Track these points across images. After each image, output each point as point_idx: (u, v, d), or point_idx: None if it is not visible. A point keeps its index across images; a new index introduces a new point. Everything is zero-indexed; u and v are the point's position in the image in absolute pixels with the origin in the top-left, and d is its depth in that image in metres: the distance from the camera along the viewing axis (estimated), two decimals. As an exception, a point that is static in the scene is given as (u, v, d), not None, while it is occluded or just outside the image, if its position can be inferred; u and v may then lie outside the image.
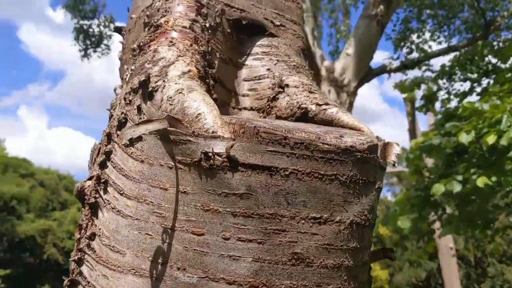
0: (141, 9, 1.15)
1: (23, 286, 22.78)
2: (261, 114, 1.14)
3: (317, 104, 1.05)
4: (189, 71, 0.89)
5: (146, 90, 0.85)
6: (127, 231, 0.78)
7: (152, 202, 0.77)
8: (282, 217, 0.71)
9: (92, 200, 0.84)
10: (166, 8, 1.08)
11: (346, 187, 0.75)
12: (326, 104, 1.05)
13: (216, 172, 0.71)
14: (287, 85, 1.12)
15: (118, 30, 1.32)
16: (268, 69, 1.16)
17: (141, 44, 1.03)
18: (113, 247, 0.79)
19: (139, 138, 0.75)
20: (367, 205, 0.79)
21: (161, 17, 1.07)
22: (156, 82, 0.87)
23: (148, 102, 0.84)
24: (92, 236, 0.82)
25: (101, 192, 0.84)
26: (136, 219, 0.78)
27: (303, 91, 1.10)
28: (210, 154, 0.71)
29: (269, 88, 1.14)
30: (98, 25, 11.19)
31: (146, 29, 1.07)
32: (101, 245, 0.81)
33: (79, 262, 0.83)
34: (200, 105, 0.76)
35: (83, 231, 0.84)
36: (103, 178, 0.84)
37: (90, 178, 0.87)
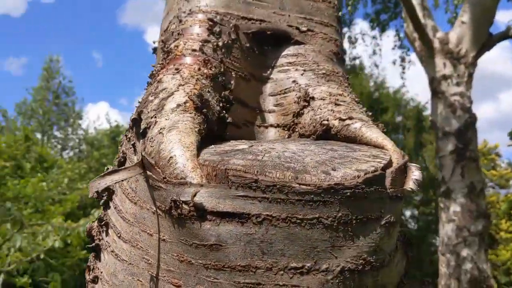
0: (160, 33, 1.14)
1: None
2: (286, 132, 1.07)
3: (340, 119, 0.95)
4: (186, 102, 0.85)
5: (138, 129, 0.83)
6: (122, 275, 0.78)
7: (141, 248, 0.75)
8: (257, 269, 0.65)
9: (97, 241, 0.85)
10: (179, 31, 1.05)
11: (333, 230, 0.66)
12: (350, 118, 0.94)
13: (185, 221, 0.67)
14: (312, 98, 1.03)
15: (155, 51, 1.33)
16: (294, 81, 1.08)
17: (153, 72, 1.02)
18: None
19: (107, 189, 0.73)
20: (367, 246, 0.69)
21: (174, 41, 1.04)
22: (151, 118, 0.84)
23: (141, 140, 0.82)
24: (95, 279, 0.83)
25: (103, 234, 0.84)
26: (130, 263, 0.77)
27: (329, 103, 1.00)
28: (178, 203, 0.67)
29: (294, 102, 1.05)
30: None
31: (161, 55, 1.06)
32: (101, 291, 0.82)
33: (86, 306, 0.85)
34: (173, 147, 0.72)
35: (90, 272, 0.86)
36: (105, 220, 0.84)
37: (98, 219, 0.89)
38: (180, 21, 1.06)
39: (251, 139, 1.05)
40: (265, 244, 0.64)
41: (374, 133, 0.89)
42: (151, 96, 0.91)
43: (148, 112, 0.86)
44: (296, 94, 1.05)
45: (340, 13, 1.19)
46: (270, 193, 0.64)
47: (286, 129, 1.05)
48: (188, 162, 0.70)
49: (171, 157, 0.71)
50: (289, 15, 1.11)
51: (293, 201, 0.64)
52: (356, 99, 1.07)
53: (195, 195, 0.65)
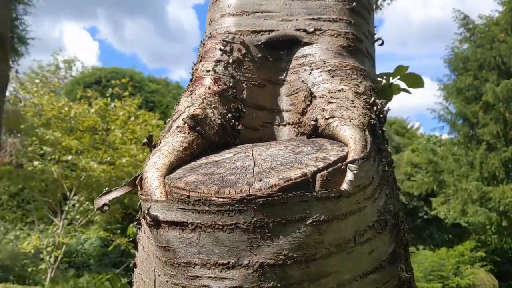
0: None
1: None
2: (296, 129, 1.17)
3: (325, 118, 1.03)
4: (184, 123, 1.05)
5: (151, 149, 1.06)
6: (146, 263, 1.03)
7: (147, 245, 0.99)
8: (195, 265, 0.82)
9: (136, 236, 1.12)
10: (202, 54, 1.24)
11: (250, 232, 0.79)
12: (332, 117, 1.02)
13: (150, 228, 0.88)
14: (314, 96, 1.12)
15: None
16: (303, 81, 1.17)
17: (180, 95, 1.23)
18: (141, 279, 1.05)
19: (107, 205, 0.97)
20: (289, 244, 0.80)
21: (196, 63, 1.23)
22: (160, 138, 1.07)
23: (149, 159, 1.05)
24: (135, 265, 1.10)
25: (139, 231, 1.10)
26: (148, 254, 1.02)
27: (324, 102, 1.08)
28: (145, 214, 0.88)
29: (302, 101, 1.15)
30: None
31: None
32: (137, 273, 1.08)
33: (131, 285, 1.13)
34: (149, 169, 0.93)
35: (134, 260, 1.13)
36: (139, 219, 1.10)
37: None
38: (203, 44, 1.24)
39: (270, 137, 1.19)
40: (200, 245, 0.82)
41: (345, 131, 0.96)
42: (171, 118, 1.13)
43: (163, 132, 1.09)
44: (303, 93, 1.15)
45: (354, 4, 1.22)
46: (197, 206, 0.81)
47: (296, 126, 1.16)
48: (154, 181, 0.90)
49: (145, 177, 0.92)
50: (296, 19, 1.20)
51: (214, 211, 0.80)
52: (360, 90, 1.11)
53: (149, 208, 0.86)
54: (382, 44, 1.36)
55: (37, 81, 16.63)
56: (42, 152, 11.99)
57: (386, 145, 1.12)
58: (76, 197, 12.01)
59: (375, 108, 1.11)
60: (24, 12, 15.24)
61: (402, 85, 1.46)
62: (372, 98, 1.12)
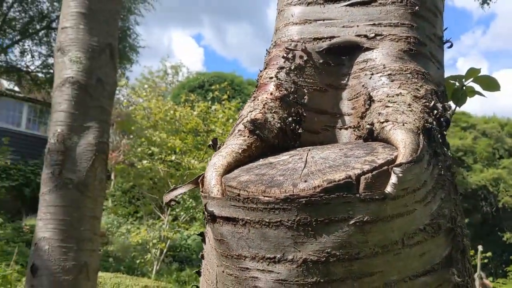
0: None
1: (483, 234, 23.51)
2: (356, 133, 1.20)
3: (380, 122, 1.06)
4: (244, 127, 1.13)
5: (215, 151, 1.16)
6: (211, 255, 1.13)
7: (212, 238, 1.09)
8: (246, 258, 0.90)
9: (205, 230, 1.22)
10: (267, 62, 1.31)
11: (294, 230, 0.85)
12: (387, 121, 1.04)
13: (208, 223, 0.97)
14: (373, 101, 1.14)
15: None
16: (363, 85, 1.20)
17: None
18: (207, 269, 1.15)
19: (175, 200, 1.08)
20: (332, 242, 0.84)
21: (262, 71, 1.31)
22: (225, 140, 1.16)
23: (216, 158, 1.14)
24: (202, 256, 1.20)
25: (207, 225, 1.20)
26: (212, 248, 1.11)
27: (381, 106, 1.10)
28: (204, 210, 0.97)
29: (362, 105, 1.18)
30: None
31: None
32: (204, 264, 1.18)
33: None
34: (209, 169, 1.02)
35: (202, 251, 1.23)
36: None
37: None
38: (269, 53, 1.32)
39: (331, 141, 1.24)
40: (249, 240, 0.89)
41: (397, 135, 0.98)
42: (236, 122, 1.22)
43: (228, 135, 1.18)
44: (363, 98, 1.18)
45: (417, 8, 1.21)
46: (246, 203, 0.88)
47: (356, 130, 1.19)
48: (212, 180, 0.99)
49: (206, 176, 1.02)
50: (357, 26, 1.22)
51: (261, 208, 0.87)
52: (419, 94, 1.12)
53: (206, 205, 0.95)
54: (451, 46, 1.34)
55: (146, 86, 17.87)
56: (150, 152, 12.86)
57: (446, 150, 1.11)
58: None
59: (435, 112, 1.11)
60: (135, 23, 16.46)
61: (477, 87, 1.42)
62: (433, 102, 1.11)
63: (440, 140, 1.08)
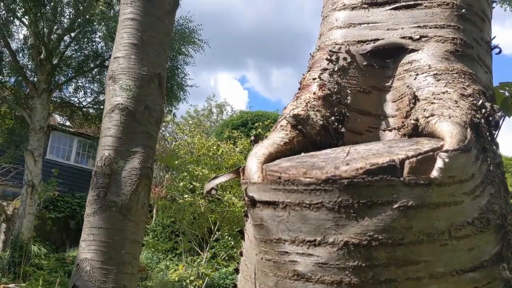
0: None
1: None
2: (400, 132, 1.18)
3: (425, 117, 1.04)
4: (287, 123, 1.14)
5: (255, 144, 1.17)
6: (249, 251, 1.12)
7: (251, 233, 1.08)
8: (285, 241, 0.88)
9: (244, 227, 1.21)
10: (310, 65, 1.33)
11: (336, 212, 0.83)
12: (432, 115, 1.03)
13: (248, 208, 0.97)
14: (418, 99, 1.13)
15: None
16: (408, 86, 1.19)
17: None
18: (245, 265, 1.14)
19: (215, 189, 1.08)
20: (374, 225, 0.82)
21: (305, 74, 1.32)
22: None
23: (257, 152, 1.15)
24: (241, 253, 1.19)
25: (246, 221, 1.20)
26: (251, 242, 1.10)
27: (426, 103, 1.09)
28: (244, 195, 0.97)
29: (407, 105, 1.17)
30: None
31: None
32: (242, 261, 1.16)
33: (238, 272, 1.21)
34: (250, 158, 1.02)
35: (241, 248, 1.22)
36: (246, 211, 1.20)
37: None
38: (312, 57, 1.33)
39: (375, 141, 1.22)
40: (289, 223, 0.88)
41: (443, 126, 0.96)
42: (278, 120, 1.23)
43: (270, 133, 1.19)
44: (408, 98, 1.17)
45: (463, 11, 1.21)
46: (287, 186, 0.88)
47: (400, 130, 1.18)
48: (254, 167, 0.99)
49: (246, 165, 1.02)
50: (402, 28, 1.23)
51: (301, 190, 0.86)
52: (466, 93, 1.09)
53: (246, 189, 0.95)
54: (499, 52, 1.31)
55: (190, 122, 18.28)
56: (191, 186, 12.99)
57: (496, 148, 1.07)
58: (219, 232, 12.71)
59: (483, 110, 1.08)
60: (184, 62, 17.04)
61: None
62: (480, 101, 1.09)
63: (489, 138, 1.05)
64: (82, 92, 17.18)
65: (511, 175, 25.01)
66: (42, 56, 14.78)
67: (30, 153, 14.18)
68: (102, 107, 15.62)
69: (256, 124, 15.80)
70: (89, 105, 17.47)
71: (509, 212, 1.00)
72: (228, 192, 12.69)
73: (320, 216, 0.85)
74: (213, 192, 1.08)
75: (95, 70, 16.68)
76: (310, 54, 1.36)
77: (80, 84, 17.03)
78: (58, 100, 17.03)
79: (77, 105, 17.34)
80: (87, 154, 21.98)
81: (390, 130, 1.22)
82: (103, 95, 16.15)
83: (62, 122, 21.24)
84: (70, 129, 21.12)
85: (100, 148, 4.16)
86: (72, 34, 15.60)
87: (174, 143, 16.37)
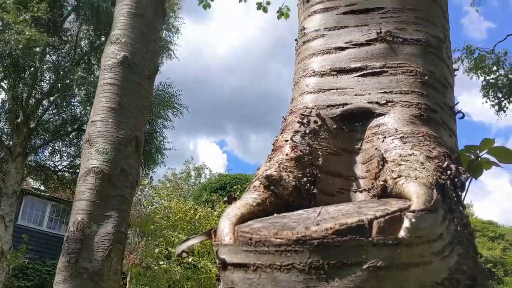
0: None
1: None
2: (370, 194, 1.20)
3: (393, 178, 1.07)
4: (259, 184, 1.15)
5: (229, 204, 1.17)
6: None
7: None
8: (257, 305, 0.87)
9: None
10: (283, 128, 1.36)
11: (306, 273, 0.83)
12: (399, 176, 1.05)
13: (219, 271, 0.95)
14: (386, 161, 1.16)
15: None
16: (376, 148, 1.22)
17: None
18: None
19: (186, 252, 1.07)
20: (345, 287, 0.82)
21: (278, 136, 1.35)
22: (238, 195, 1.17)
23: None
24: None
25: (218, 286, 1.18)
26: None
27: (394, 165, 1.12)
28: (216, 257, 0.96)
29: (376, 166, 1.20)
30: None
31: (273, 149, 1.38)
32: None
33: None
34: (222, 219, 1.03)
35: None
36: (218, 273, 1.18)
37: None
38: (284, 119, 1.37)
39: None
40: (260, 286, 0.87)
41: (410, 187, 0.99)
42: (251, 182, 1.24)
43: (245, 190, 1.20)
44: (376, 159, 1.20)
45: (426, 78, 1.28)
46: (258, 247, 0.88)
47: (370, 191, 1.20)
48: (225, 228, 0.99)
49: (219, 225, 1.02)
50: (369, 94, 1.28)
51: (272, 251, 0.86)
52: (432, 155, 1.13)
53: (217, 251, 0.94)
54: (462, 117, 1.37)
55: (168, 185, 18.12)
56: (167, 253, 12.67)
57: (462, 209, 1.10)
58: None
59: (448, 172, 1.12)
60: (163, 126, 17.14)
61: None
62: (446, 163, 1.13)
63: (455, 199, 1.08)
64: (58, 156, 17.00)
65: (488, 239, 25.13)
66: (19, 120, 14.72)
67: (1, 218, 13.75)
68: (78, 171, 15.43)
69: (234, 187, 15.75)
70: (64, 169, 17.24)
71: (479, 273, 1.01)
72: (204, 258, 12.40)
73: (291, 278, 0.84)
74: (184, 255, 1.07)
75: (73, 133, 16.63)
76: (283, 117, 1.40)
77: (56, 147, 16.89)
78: (33, 164, 16.77)
79: (52, 169, 17.09)
80: (60, 220, 21.38)
81: (361, 192, 1.24)
82: (79, 158, 16.01)
83: (36, 186, 20.80)
84: (44, 194, 20.67)
85: (73, 212, 4.08)
86: (51, 98, 15.66)
87: (150, 207, 16.12)
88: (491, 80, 11.05)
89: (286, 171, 1.19)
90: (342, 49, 1.40)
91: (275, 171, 1.18)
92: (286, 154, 1.24)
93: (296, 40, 1.61)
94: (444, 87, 1.35)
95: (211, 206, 13.79)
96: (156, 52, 4.95)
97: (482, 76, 11.07)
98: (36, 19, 13.16)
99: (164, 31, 16.24)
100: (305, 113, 1.31)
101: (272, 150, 1.32)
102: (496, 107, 11.16)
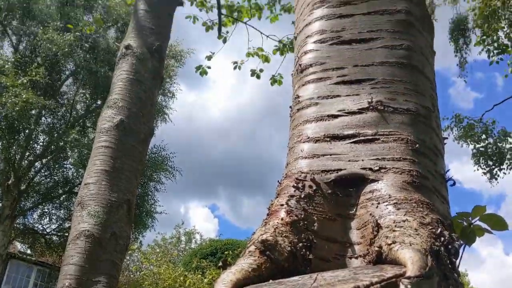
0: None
1: None
2: (366, 260, 1.21)
3: (387, 244, 1.08)
4: (255, 249, 1.15)
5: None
6: None
7: None
8: None
9: None
10: (278, 192, 1.38)
11: None
12: (394, 242, 1.06)
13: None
14: (381, 227, 1.18)
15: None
16: (370, 214, 1.24)
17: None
18: None
19: None
20: None
21: (273, 200, 1.37)
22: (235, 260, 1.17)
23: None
24: None
25: None
26: None
27: (389, 231, 1.13)
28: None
29: (371, 232, 1.21)
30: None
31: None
32: None
33: None
34: (217, 285, 1.02)
35: None
36: None
37: None
38: (280, 184, 1.40)
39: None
40: None
41: (405, 253, 1.00)
42: (246, 247, 1.24)
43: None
44: (371, 225, 1.21)
45: (417, 145, 1.32)
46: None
47: (366, 257, 1.20)
48: None
49: (214, 289, 1.01)
50: (362, 160, 1.32)
51: None
52: (425, 221, 1.15)
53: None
54: (453, 184, 1.41)
55: (157, 250, 17.73)
56: (155, 322, 12.18)
57: (457, 275, 1.10)
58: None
59: (442, 238, 1.13)
60: (155, 189, 17.03)
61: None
62: (439, 229, 1.14)
63: (450, 266, 1.09)
64: (47, 219, 16.72)
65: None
66: (10, 182, 14.61)
67: (-17, 283, 13.26)
68: (66, 234, 15.14)
69: (226, 253, 15.42)
70: (53, 232, 16.90)
71: None
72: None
73: None
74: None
75: (63, 196, 16.45)
76: (278, 181, 1.42)
77: (46, 210, 16.64)
78: (21, 227, 16.45)
79: (40, 232, 16.75)
80: (46, 285, 20.68)
81: (356, 258, 1.24)
82: (69, 222, 15.76)
83: (22, 250, 20.28)
84: (30, 258, 20.11)
85: (61, 277, 3.97)
86: (44, 160, 15.64)
87: (138, 273, 15.68)
88: (481, 148, 11.24)
89: (281, 236, 1.20)
90: (335, 116, 1.45)
91: (271, 236, 1.19)
92: (282, 219, 1.25)
93: (290, 107, 1.67)
94: (434, 155, 1.39)
95: (201, 273, 13.43)
96: (152, 116, 5.04)
97: (471, 144, 11.29)
98: (34, 82, 13.41)
99: (160, 96, 16.57)
100: (300, 178, 1.34)
101: (267, 215, 1.33)
102: (488, 174, 11.28)
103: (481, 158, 11.39)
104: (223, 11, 7.10)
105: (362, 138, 1.37)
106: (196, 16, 7.10)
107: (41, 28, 13.97)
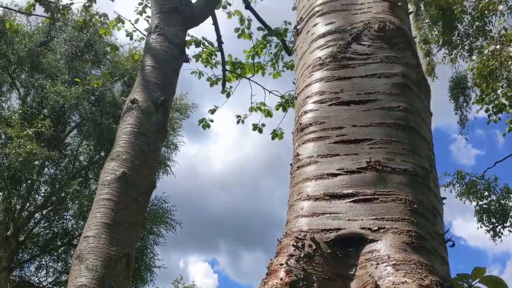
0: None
1: None
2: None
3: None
4: (253, 308, 1.15)
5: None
6: None
7: None
8: None
9: None
10: (277, 250, 1.39)
11: None
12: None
13: None
14: (379, 288, 1.17)
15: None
16: (370, 275, 1.24)
17: None
18: None
19: None
20: None
21: (273, 259, 1.37)
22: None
23: None
24: None
25: None
26: None
27: (388, 291, 1.13)
28: None
29: (370, 293, 1.21)
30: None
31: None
32: None
33: None
34: None
35: None
36: None
37: None
38: (280, 242, 1.40)
39: None
40: None
41: None
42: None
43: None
44: (370, 287, 1.21)
45: (415, 206, 1.34)
46: None
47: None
48: None
49: None
50: (361, 219, 1.33)
51: None
52: (424, 284, 1.15)
53: None
54: (453, 245, 1.41)
55: (155, 307, 17.23)
56: None
57: None
58: None
59: (442, 301, 1.13)
60: (154, 242, 16.80)
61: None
62: (438, 292, 1.14)
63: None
64: (44, 271, 16.40)
65: None
66: (9, 232, 14.46)
67: None
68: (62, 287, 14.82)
69: (225, 311, 15.00)
70: (49, 285, 16.53)
71: None
72: None
73: None
74: None
75: (62, 248, 16.22)
76: (278, 239, 1.43)
77: (43, 262, 16.35)
78: (17, 279, 16.11)
79: (36, 285, 16.38)
80: None
81: (357, 318, 1.23)
82: (65, 274, 15.44)
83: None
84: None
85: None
86: (44, 211, 15.55)
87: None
88: (483, 206, 11.16)
89: (280, 297, 1.19)
90: (334, 175, 1.47)
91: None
92: (281, 279, 1.25)
93: (290, 164, 1.70)
94: (433, 215, 1.40)
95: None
96: (154, 168, 5.06)
97: (474, 201, 11.22)
98: (39, 133, 13.57)
99: (163, 148, 16.70)
100: (299, 237, 1.35)
101: (267, 274, 1.33)
102: (491, 232, 11.13)
103: (484, 215, 11.27)
104: (227, 67, 7.29)
105: (362, 197, 1.39)
106: (201, 71, 7.28)
107: (49, 81, 14.28)
